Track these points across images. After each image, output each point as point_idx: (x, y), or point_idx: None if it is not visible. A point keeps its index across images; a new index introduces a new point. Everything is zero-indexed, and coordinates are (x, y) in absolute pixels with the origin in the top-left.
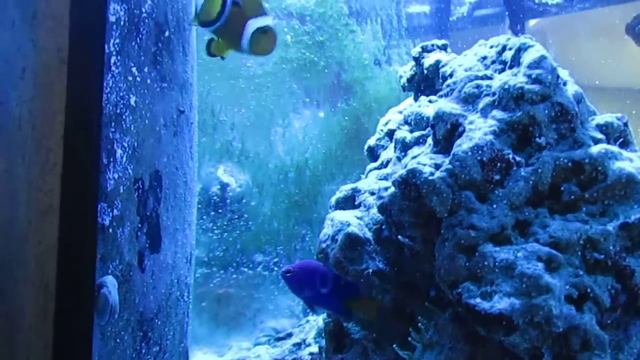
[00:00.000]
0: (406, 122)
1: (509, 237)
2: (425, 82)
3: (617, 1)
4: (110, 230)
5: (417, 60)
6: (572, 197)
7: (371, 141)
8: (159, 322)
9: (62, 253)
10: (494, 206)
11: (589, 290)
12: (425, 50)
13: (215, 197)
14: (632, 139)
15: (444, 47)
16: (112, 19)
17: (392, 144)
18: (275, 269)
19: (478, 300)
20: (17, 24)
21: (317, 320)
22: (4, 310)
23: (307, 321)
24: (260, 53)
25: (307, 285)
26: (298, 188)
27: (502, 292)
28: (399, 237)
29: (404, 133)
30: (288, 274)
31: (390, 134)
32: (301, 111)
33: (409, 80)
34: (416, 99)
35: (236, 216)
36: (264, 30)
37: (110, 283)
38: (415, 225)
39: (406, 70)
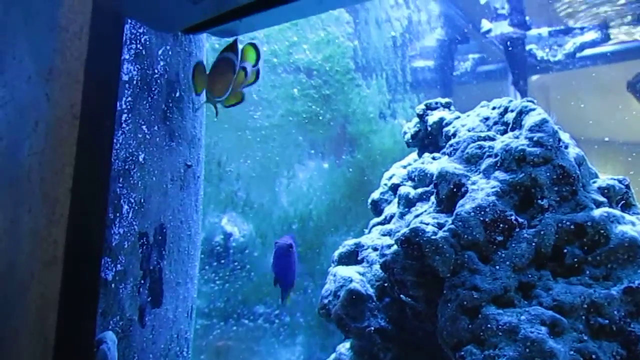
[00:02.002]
0: (410, 178)
1: (512, 300)
2: (429, 138)
3: (618, 59)
4: (113, 285)
5: (421, 117)
6: (575, 260)
7: (375, 195)
8: None
9: (63, 306)
10: (497, 267)
11: (594, 356)
12: (429, 107)
13: (218, 247)
14: (634, 202)
15: (447, 105)
16: (125, 78)
17: (396, 199)
18: (277, 321)
19: None
20: (33, 78)
21: None
22: None
23: None
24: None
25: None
26: (301, 239)
27: (506, 356)
28: (402, 296)
29: (407, 189)
30: (290, 249)
31: (394, 188)
32: (306, 162)
33: (412, 137)
34: (420, 155)
35: (238, 266)
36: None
37: (110, 339)
38: (417, 285)
39: (410, 126)
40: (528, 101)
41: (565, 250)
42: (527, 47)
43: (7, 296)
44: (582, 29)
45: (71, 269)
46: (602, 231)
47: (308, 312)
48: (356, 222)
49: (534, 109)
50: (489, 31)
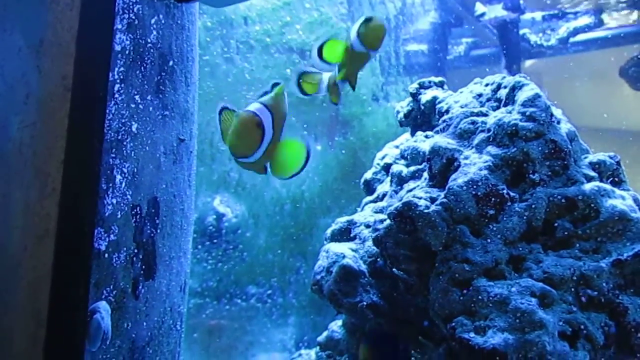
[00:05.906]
0: (402, 157)
1: (502, 272)
2: (422, 117)
3: (611, 45)
4: (106, 255)
5: (415, 96)
6: (566, 233)
7: (367, 175)
8: (151, 351)
9: (56, 278)
10: (488, 241)
11: (582, 327)
12: (422, 86)
13: (210, 227)
14: (625, 178)
15: (440, 84)
16: (118, 48)
17: (389, 178)
18: (269, 301)
19: (472, 334)
20: (23, 51)
21: (310, 354)
22: None
23: (300, 355)
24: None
25: None
26: (294, 220)
27: (496, 327)
28: (394, 270)
29: (400, 167)
30: None
31: (386, 167)
32: None
33: (405, 116)
34: (413, 134)
35: (231, 247)
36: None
37: (104, 309)
38: (410, 259)
39: (403, 105)
40: (521, 77)
41: (556, 224)
42: (521, 32)
43: None
44: (575, 13)
45: (63, 242)
46: (592, 205)
47: (300, 292)
48: (348, 204)
49: (526, 84)
50: (482, 14)
